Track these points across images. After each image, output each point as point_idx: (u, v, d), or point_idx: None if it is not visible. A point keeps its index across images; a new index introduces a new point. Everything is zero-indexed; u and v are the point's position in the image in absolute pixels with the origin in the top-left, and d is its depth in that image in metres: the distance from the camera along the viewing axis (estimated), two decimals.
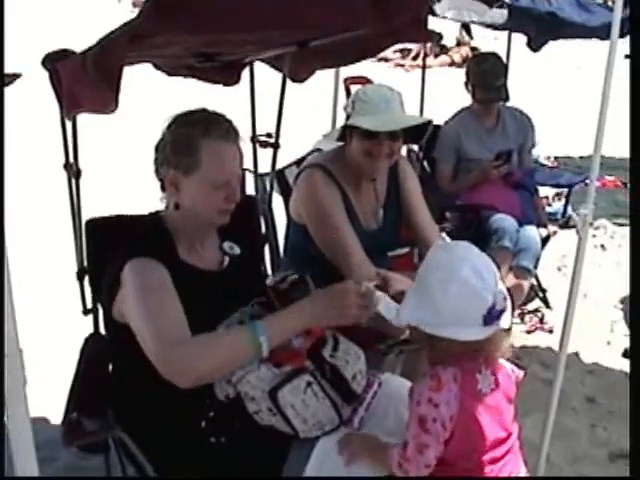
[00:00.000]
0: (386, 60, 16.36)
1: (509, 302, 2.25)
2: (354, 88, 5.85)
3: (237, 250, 2.78)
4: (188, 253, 2.61)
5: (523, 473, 2.39)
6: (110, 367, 2.79)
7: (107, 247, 2.83)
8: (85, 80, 2.09)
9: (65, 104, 2.45)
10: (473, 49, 16.24)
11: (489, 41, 9.68)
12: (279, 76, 3.46)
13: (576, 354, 4.70)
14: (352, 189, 3.47)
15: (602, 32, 4.28)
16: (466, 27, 7.11)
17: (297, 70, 3.42)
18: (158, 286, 2.41)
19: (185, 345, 2.31)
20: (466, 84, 5.09)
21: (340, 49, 3.12)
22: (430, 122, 3.48)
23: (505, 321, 2.22)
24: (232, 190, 2.56)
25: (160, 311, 2.36)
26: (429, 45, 8.18)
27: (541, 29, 5.24)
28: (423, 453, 2.24)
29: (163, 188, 2.60)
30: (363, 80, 5.95)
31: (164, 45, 2.29)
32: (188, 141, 2.48)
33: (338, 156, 3.45)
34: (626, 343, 4.88)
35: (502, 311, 2.20)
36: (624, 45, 3.28)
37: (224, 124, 2.55)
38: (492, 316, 2.18)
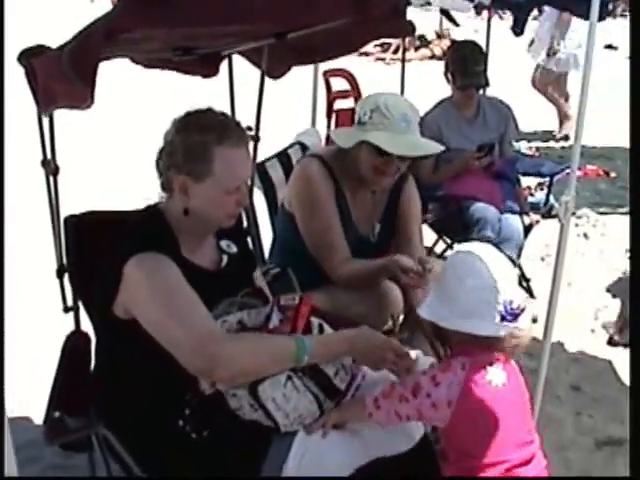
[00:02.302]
0: (367, 54, 16.32)
1: (530, 304, 2.27)
2: (334, 80, 5.85)
3: (234, 248, 2.76)
4: (190, 251, 2.57)
5: None
6: (93, 364, 2.77)
7: (89, 244, 2.83)
8: (60, 76, 2.06)
9: (41, 100, 2.42)
10: (453, 42, 16.24)
11: (471, 34, 9.78)
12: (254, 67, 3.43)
13: (560, 343, 4.70)
14: (349, 189, 3.46)
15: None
16: (447, 15, 7.08)
17: (274, 66, 3.40)
18: (177, 280, 2.39)
19: (230, 340, 2.35)
20: (445, 73, 5.10)
21: (317, 45, 3.11)
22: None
23: (524, 322, 2.23)
24: (242, 194, 2.55)
25: (189, 306, 2.35)
26: (408, 39, 8.15)
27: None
28: (401, 403, 2.29)
29: (164, 189, 2.57)
30: (343, 73, 5.93)
31: (141, 40, 2.28)
32: (202, 149, 2.44)
33: (341, 155, 3.41)
34: (610, 331, 4.88)
35: (521, 311, 2.21)
36: (603, 34, 3.29)
37: (236, 129, 2.53)
38: (509, 313, 2.19)
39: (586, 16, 2.91)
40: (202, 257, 2.62)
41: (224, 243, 2.74)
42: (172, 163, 2.49)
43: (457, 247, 2.44)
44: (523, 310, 2.22)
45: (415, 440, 2.50)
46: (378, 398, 2.35)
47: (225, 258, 2.71)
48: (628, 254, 6.12)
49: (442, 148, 3.46)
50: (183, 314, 2.32)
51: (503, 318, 2.19)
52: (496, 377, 2.24)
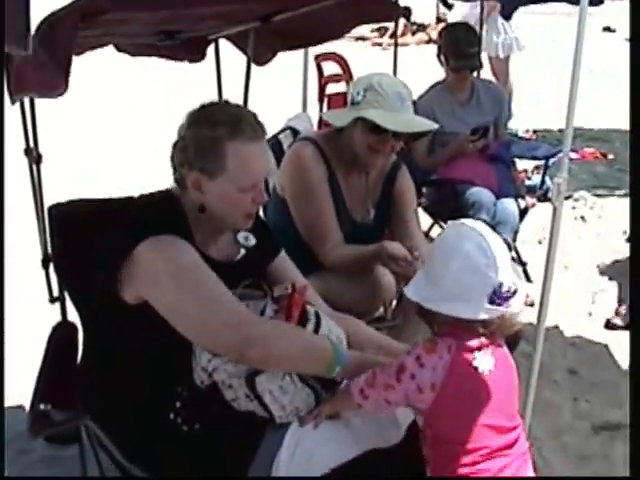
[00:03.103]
0: (364, 39, 16.29)
1: (522, 286, 2.21)
2: (325, 65, 5.80)
3: (252, 241, 2.65)
4: (204, 243, 2.48)
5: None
6: (80, 356, 2.74)
7: (74, 233, 2.79)
8: (35, 62, 2.01)
9: (12, 86, 2.37)
10: (447, 25, 16.21)
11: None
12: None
13: (557, 327, 4.68)
14: (342, 173, 3.42)
15: None
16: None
17: (259, 51, 3.33)
18: (200, 263, 2.33)
19: (266, 322, 2.31)
20: (438, 55, 5.07)
21: (303, 30, 3.06)
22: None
23: (515, 306, 2.16)
24: (259, 192, 2.46)
25: (217, 288, 2.30)
26: (404, 23, 8.13)
27: None
28: (387, 391, 2.23)
29: (178, 184, 2.48)
30: (334, 57, 5.89)
31: (120, 23, 2.23)
32: (213, 144, 2.35)
33: (334, 137, 3.38)
34: (607, 314, 4.86)
35: (512, 294, 2.14)
36: (600, 17, 3.26)
37: (251, 122, 2.41)
38: (498, 296, 2.12)
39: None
40: (216, 250, 2.55)
41: (242, 236, 2.64)
42: (184, 159, 2.41)
43: (449, 224, 2.36)
44: (514, 293, 2.15)
45: (403, 430, 2.46)
46: (364, 389, 2.29)
47: (242, 251, 2.64)
48: (625, 236, 6.10)
49: (436, 126, 3.45)
50: (213, 294, 2.28)
51: (492, 301, 2.12)
52: (483, 363, 2.17)
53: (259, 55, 3.37)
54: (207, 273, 2.32)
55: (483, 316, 2.13)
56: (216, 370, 2.32)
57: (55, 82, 1.91)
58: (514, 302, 2.16)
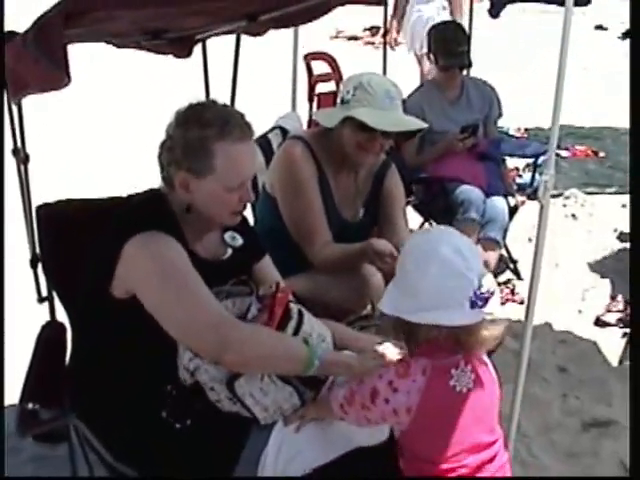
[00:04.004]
0: (356, 38, 16.31)
1: (497, 287, 2.18)
2: (315, 64, 5.81)
3: (239, 241, 2.68)
4: (192, 241, 2.50)
5: None
6: (68, 355, 2.75)
7: (62, 233, 2.80)
8: (29, 60, 2.03)
9: (10, 87, 2.38)
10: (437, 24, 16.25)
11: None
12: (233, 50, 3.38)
13: (547, 324, 4.68)
14: (332, 172, 3.43)
15: None
16: None
17: (250, 31, 3.30)
18: (186, 262, 2.35)
19: (245, 326, 2.30)
20: (428, 54, 5.09)
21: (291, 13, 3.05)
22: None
23: (493, 306, 2.12)
24: (246, 191, 2.48)
25: (200, 289, 2.32)
26: (396, 23, 8.08)
27: None
28: (364, 410, 2.22)
29: (166, 183, 2.50)
30: (324, 56, 5.90)
31: (106, 20, 2.22)
32: (202, 144, 2.37)
33: (324, 136, 3.38)
34: (597, 311, 4.88)
35: (490, 295, 2.11)
36: (593, 15, 3.27)
37: (239, 122, 2.43)
38: (479, 299, 2.09)
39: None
40: (204, 249, 2.57)
41: (229, 235, 2.67)
42: (172, 159, 2.42)
43: (414, 233, 2.33)
44: (493, 294, 2.12)
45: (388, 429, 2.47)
46: (343, 404, 2.28)
47: (229, 251, 2.66)
48: (616, 234, 6.12)
49: (425, 125, 3.45)
50: (195, 295, 2.29)
51: (473, 304, 2.08)
52: (461, 381, 2.13)
53: (250, 33, 3.32)
54: (192, 273, 2.34)
55: (467, 321, 2.09)
56: (198, 370, 2.33)
57: (54, 76, 1.92)
58: (492, 303, 2.13)
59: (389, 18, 7.65)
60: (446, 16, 7.82)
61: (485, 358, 2.27)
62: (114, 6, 2.03)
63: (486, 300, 2.10)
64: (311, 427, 2.38)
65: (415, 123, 3.40)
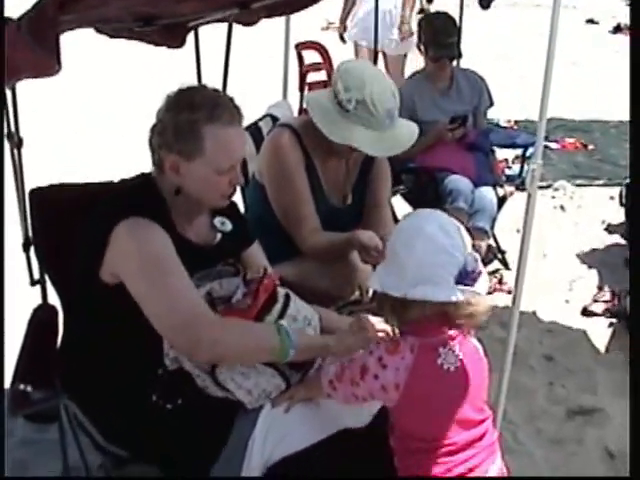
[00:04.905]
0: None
1: (483, 268, 2.20)
2: (306, 53, 5.83)
3: (229, 226, 2.71)
4: (182, 226, 2.54)
5: (497, 467, 2.33)
6: (60, 337, 2.77)
7: (55, 216, 2.82)
8: (22, 45, 2.04)
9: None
10: (426, 15, 16.18)
11: (448, 8, 9.92)
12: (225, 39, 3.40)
13: (535, 313, 4.73)
14: (320, 159, 3.43)
15: None
16: None
17: (242, 19, 3.31)
18: (169, 253, 2.36)
19: (216, 324, 2.30)
20: (418, 45, 5.12)
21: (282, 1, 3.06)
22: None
23: (481, 287, 2.16)
24: (236, 174, 2.51)
25: (178, 282, 2.33)
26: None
27: None
28: (353, 386, 2.26)
29: (156, 166, 2.53)
30: (315, 45, 5.93)
31: (99, 5, 2.24)
32: (191, 127, 2.39)
33: (312, 123, 3.34)
34: (584, 302, 4.92)
35: (478, 274, 2.15)
36: (584, 9, 3.30)
37: (229, 106, 2.46)
38: (464, 277, 2.13)
39: None
40: (194, 233, 2.59)
41: (218, 220, 2.70)
42: (163, 142, 2.45)
43: (406, 215, 2.38)
44: (480, 274, 2.16)
45: (375, 410, 2.50)
46: (332, 380, 2.33)
47: (218, 236, 2.69)
48: (604, 226, 6.16)
49: (416, 135, 3.38)
50: (172, 290, 2.30)
51: (458, 282, 2.12)
52: (448, 359, 2.17)
53: (242, 22, 3.33)
54: (173, 265, 2.35)
55: (454, 297, 2.12)
56: (179, 357, 2.38)
57: (45, 62, 1.93)
58: (480, 283, 2.17)
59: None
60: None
61: (474, 340, 2.31)
62: None
63: (473, 280, 2.14)
64: (299, 409, 2.41)
65: (409, 139, 3.34)
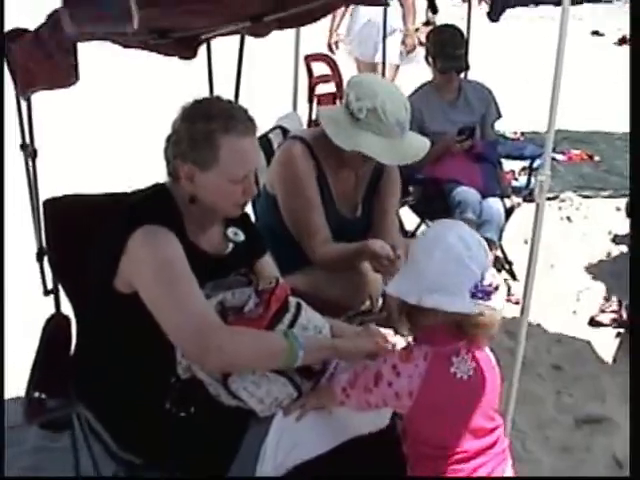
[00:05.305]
0: None
1: (503, 283, 2.22)
2: (315, 65, 5.86)
3: (241, 237, 2.74)
4: (195, 235, 2.57)
5: (508, 475, 2.36)
6: (74, 346, 2.80)
7: (69, 226, 2.85)
8: (40, 56, 2.07)
9: (20, 83, 2.42)
10: (434, 27, 16.22)
11: (457, 21, 9.94)
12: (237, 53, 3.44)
13: (542, 324, 4.75)
14: (331, 170, 3.45)
15: None
16: (430, 1, 7.13)
17: (255, 32, 3.33)
18: (182, 262, 2.39)
19: (226, 333, 2.32)
20: (426, 57, 5.14)
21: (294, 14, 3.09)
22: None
23: (497, 302, 2.17)
24: (249, 184, 2.54)
25: (190, 291, 2.35)
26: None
27: None
28: (367, 393, 2.29)
29: (171, 176, 2.56)
30: (324, 57, 5.95)
31: None
32: (207, 137, 2.43)
33: (324, 135, 3.37)
34: (591, 312, 4.94)
35: (494, 289, 2.16)
36: (589, 21, 3.33)
37: (243, 117, 2.50)
38: (480, 290, 2.14)
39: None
40: (207, 242, 2.62)
41: (231, 231, 2.72)
42: (178, 152, 2.49)
43: (433, 223, 2.42)
44: (496, 289, 2.17)
45: (387, 418, 2.53)
46: (346, 388, 2.35)
47: (231, 246, 2.71)
48: (610, 236, 6.18)
49: (427, 147, 3.43)
50: (183, 299, 2.33)
51: (474, 295, 2.14)
52: (461, 368, 2.20)
53: (255, 34, 3.35)
54: (185, 274, 2.38)
55: (467, 310, 2.14)
56: (192, 367, 2.40)
57: (64, 73, 1.96)
58: (496, 298, 2.18)
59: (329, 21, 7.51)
60: (399, 21, 7.60)
61: (486, 349, 2.33)
62: None
63: (488, 294, 2.15)
64: (310, 417, 2.43)
65: (420, 150, 3.38)
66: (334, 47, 7.85)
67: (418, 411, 2.22)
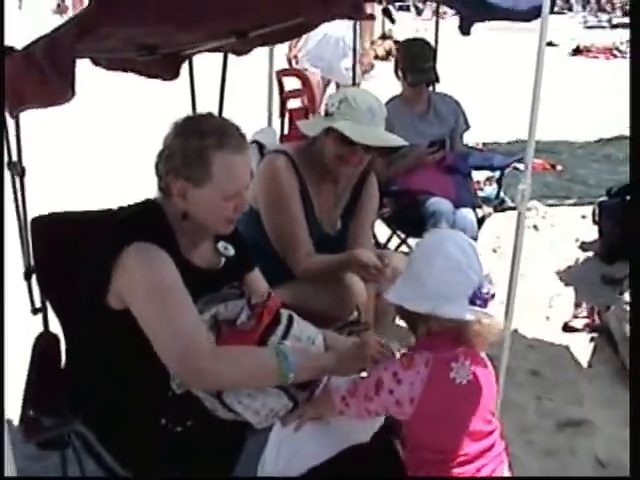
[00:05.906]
0: None
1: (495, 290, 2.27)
2: (286, 80, 5.89)
3: (231, 251, 2.74)
4: (188, 250, 2.57)
5: (506, 474, 2.39)
6: (64, 363, 2.81)
7: (56, 244, 2.85)
8: (30, 75, 2.06)
9: (8, 102, 2.41)
10: (396, 42, 16.38)
11: (412, 34, 9.96)
12: (218, 71, 3.46)
13: (517, 330, 4.79)
14: (313, 185, 3.49)
15: (530, 14, 4.40)
16: (386, 12, 7.13)
17: (237, 48, 3.36)
18: (174, 280, 2.39)
19: (214, 355, 2.35)
20: (396, 71, 5.17)
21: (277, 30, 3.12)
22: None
23: (493, 308, 2.23)
24: (241, 200, 2.55)
25: (181, 310, 2.37)
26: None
27: (469, 11, 5.34)
28: (367, 401, 2.31)
29: (163, 192, 2.55)
30: (295, 72, 5.99)
31: (109, 36, 2.28)
32: (200, 154, 2.43)
33: (306, 149, 3.45)
34: (564, 318, 5.03)
35: (491, 297, 2.22)
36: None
37: (236, 134, 2.51)
38: (478, 297, 2.19)
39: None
40: (199, 257, 2.62)
41: (221, 245, 2.72)
42: (170, 167, 2.48)
43: (429, 231, 2.46)
44: (493, 296, 2.22)
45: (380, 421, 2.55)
46: (345, 396, 2.38)
47: (222, 260, 2.71)
48: (577, 244, 6.28)
49: (406, 143, 3.51)
50: (174, 320, 2.33)
51: (472, 302, 2.19)
52: (460, 374, 2.23)
53: (236, 52, 3.39)
54: (177, 293, 2.39)
55: (467, 316, 2.19)
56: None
57: (59, 90, 1.96)
58: (491, 305, 2.23)
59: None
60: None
61: (483, 354, 2.37)
62: (117, 23, 2.09)
63: (486, 301, 2.21)
64: (309, 426, 2.45)
65: (395, 140, 3.46)
66: (293, 62, 7.87)
67: (418, 417, 2.25)
